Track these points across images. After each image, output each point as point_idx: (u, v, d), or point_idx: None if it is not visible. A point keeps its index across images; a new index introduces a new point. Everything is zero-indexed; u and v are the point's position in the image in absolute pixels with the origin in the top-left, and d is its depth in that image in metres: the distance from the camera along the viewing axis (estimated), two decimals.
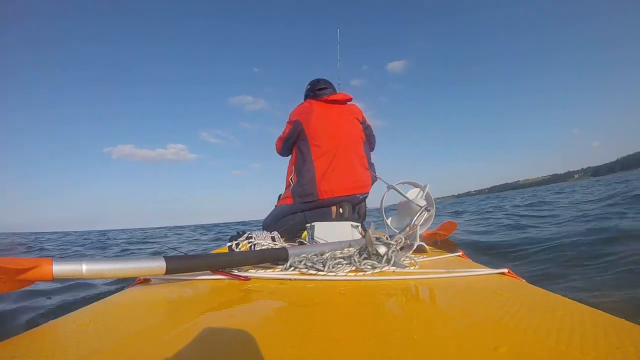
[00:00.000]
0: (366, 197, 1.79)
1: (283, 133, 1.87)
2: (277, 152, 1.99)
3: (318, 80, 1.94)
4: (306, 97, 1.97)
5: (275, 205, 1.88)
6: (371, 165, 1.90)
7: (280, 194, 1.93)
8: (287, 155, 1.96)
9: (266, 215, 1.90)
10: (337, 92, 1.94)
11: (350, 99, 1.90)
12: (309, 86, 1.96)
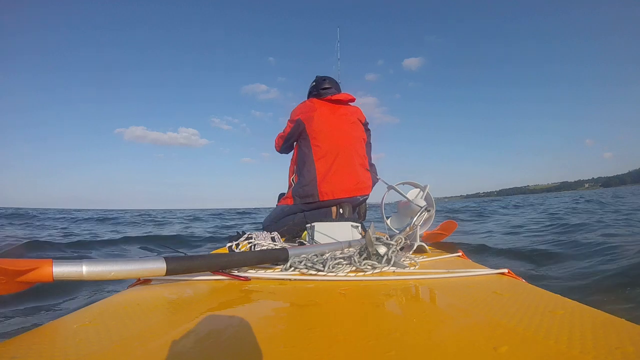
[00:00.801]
0: (366, 198, 1.78)
1: (284, 131, 1.85)
2: (276, 150, 1.97)
3: (324, 79, 1.92)
4: (310, 94, 1.95)
5: (276, 205, 1.87)
6: (372, 166, 1.89)
7: (282, 194, 1.92)
8: (286, 153, 1.95)
9: (267, 213, 1.89)
10: (341, 91, 1.94)
11: (354, 100, 1.89)
12: (313, 83, 1.94)
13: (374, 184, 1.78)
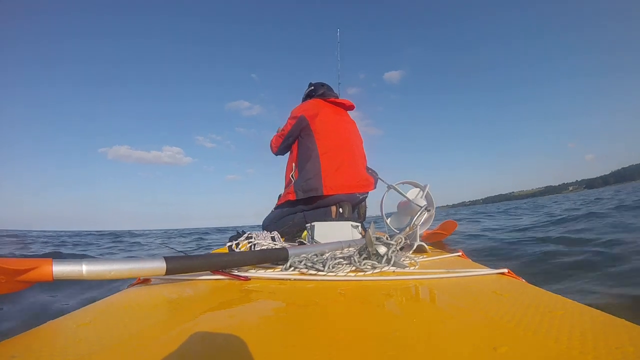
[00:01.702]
0: (366, 197, 1.79)
1: (283, 129, 1.83)
2: (273, 151, 1.94)
3: (322, 84, 1.95)
4: (309, 97, 1.95)
5: (276, 203, 1.87)
6: (367, 168, 1.91)
7: (281, 195, 1.92)
8: (283, 154, 1.94)
9: (265, 216, 1.89)
10: (339, 97, 1.97)
11: (353, 107, 1.92)
12: (312, 87, 1.96)
13: (376, 182, 1.79)
